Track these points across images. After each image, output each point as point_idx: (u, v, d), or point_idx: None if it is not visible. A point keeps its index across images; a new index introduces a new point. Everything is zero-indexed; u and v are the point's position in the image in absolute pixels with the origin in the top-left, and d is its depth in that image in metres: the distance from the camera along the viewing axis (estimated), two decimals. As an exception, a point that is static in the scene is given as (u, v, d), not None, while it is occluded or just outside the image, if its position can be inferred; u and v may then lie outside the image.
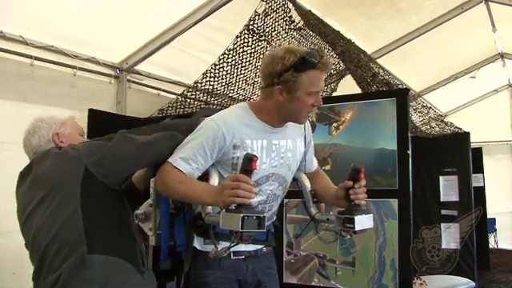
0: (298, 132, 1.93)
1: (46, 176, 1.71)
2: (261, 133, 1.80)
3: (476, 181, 6.21)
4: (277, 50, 1.74)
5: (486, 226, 6.86)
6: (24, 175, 1.81)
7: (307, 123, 1.96)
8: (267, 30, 3.36)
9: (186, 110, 3.85)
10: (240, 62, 3.46)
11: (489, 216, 7.20)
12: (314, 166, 2.08)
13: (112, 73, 3.97)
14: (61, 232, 1.64)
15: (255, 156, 1.50)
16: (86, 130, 3.60)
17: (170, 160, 1.74)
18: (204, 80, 3.55)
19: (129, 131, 1.80)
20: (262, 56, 3.49)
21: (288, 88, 1.70)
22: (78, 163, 1.68)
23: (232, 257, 1.80)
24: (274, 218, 1.99)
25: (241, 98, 3.79)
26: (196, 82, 3.62)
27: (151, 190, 1.87)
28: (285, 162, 1.87)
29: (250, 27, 3.26)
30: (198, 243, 1.82)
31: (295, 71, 1.67)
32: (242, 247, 1.77)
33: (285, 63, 1.67)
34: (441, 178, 5.67)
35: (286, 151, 1.86)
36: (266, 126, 1.81)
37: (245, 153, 1.63)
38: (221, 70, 3.46)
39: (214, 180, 1.76)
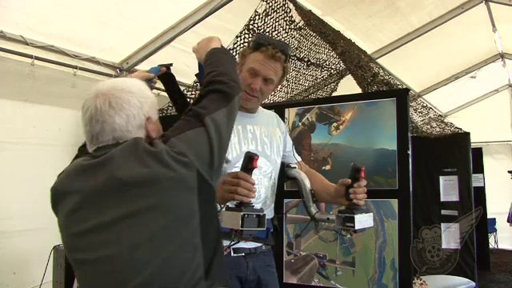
0: (271, 121, 2.03)
1: (142, 184, 1.18)
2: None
3: (476, 181, 6.22)
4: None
5: (486, 226, 6.87)
6: (92, 166, 1.23)
7: (277, 117, 2.10)
8: (267, 29, 3.37)
9: (186, 109, 3.86)
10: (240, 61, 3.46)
11: (489, 216, 7.21)
12: (295, 160, 2.10)
13: (112, 73, 3.97)
14: (165, 270, 1.17)
15: (256, 155, 1.51)
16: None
17: None
18: (204, 80, 3.55)
19: (196, 106, 1.35)
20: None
21: (242, 60, 1.90)
22: (190, 168, 1.21)
23: (232, 254, 1.81)
24: (269, 211, 1.96)
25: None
26: (196, 82, 3.62)
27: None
28: (263, 147, 1.92)
29: (251, 27, 3.27)
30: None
31: (249, 47, 1.90)
32: (242, 244, 1.78)
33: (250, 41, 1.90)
34: (441, 177, 5.68)
35: (261, 136, 1.94)
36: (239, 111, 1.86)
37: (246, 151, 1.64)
38: (221, 69, 3.46)
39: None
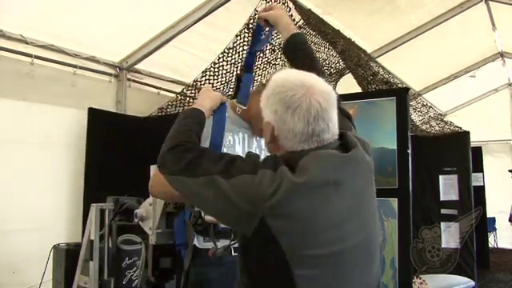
0: None
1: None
2: (239, 127, 1.87)
3: (476, 180, 6.22)
4: None
5: (485, 225, 6.86)
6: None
7: None
8: (267, 28, 3.36)
9: (186, 108, 3.85)
10: (240, 60, 3.47)
11: (489, 215, 7.21)
12: None
13: (112, 72, 3.97)
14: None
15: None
16: (85, 129, 3.63)
17: None
18: (203, 78, 3.55)
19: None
20: (261, 55, 3.50)
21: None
22: None
23: (233, 253, 1.81)
24: None
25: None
26: (195, 81, 3.62)
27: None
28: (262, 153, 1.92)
29: (250, 26, 3.26)
30: (197, 241, 1.82)
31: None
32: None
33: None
34: (440, 176, 5.68)
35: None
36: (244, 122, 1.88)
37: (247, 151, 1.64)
38: (220, 68, 3.46)
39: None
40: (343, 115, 1.40)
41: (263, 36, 1.91)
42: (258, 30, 1.89)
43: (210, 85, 3.56)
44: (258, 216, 1.13)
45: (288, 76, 1.27)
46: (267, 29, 1.86)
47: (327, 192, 1.17)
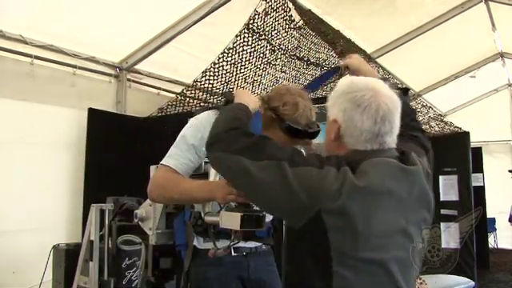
0: None
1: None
2: None
3: (476, 180, 6.23)
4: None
5: (485, 225, 6.87)
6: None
7: None
8: (267, 29, 3.37)
9: (186, 108, 3.86)
10: (239, 60, 3.47)
11: (488, 216, 7.21)
12: None
13: (112, 72, 3.97)
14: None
15: None
16: (85, 130, 3.63)
17: (161, 162, 1.75)
18: (203, 79, 3.55)
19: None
20: (261, 55, 3.50)
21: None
22: None
23: (233, 253, 1.81)
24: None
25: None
26: (195, 81, 3.62)
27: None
28: None
29: (250, 26, 3.27)
30: (197, 241, 1.82)
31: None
32: (242, 244, 1.77)
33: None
34: (440, 177, 5.68)
35: None
36: None
37: None
38: (220, 68, 3.46)
39: (215, 178, 1.75)
40: (422, 147, 1.46)
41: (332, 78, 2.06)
42: (333, 71, 2.08)
43: (210, 85, 3.56)
44: (315, 209, 1.16)
45: (354, 80, 1.36)
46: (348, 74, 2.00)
47: (381, 200, 1.21)
